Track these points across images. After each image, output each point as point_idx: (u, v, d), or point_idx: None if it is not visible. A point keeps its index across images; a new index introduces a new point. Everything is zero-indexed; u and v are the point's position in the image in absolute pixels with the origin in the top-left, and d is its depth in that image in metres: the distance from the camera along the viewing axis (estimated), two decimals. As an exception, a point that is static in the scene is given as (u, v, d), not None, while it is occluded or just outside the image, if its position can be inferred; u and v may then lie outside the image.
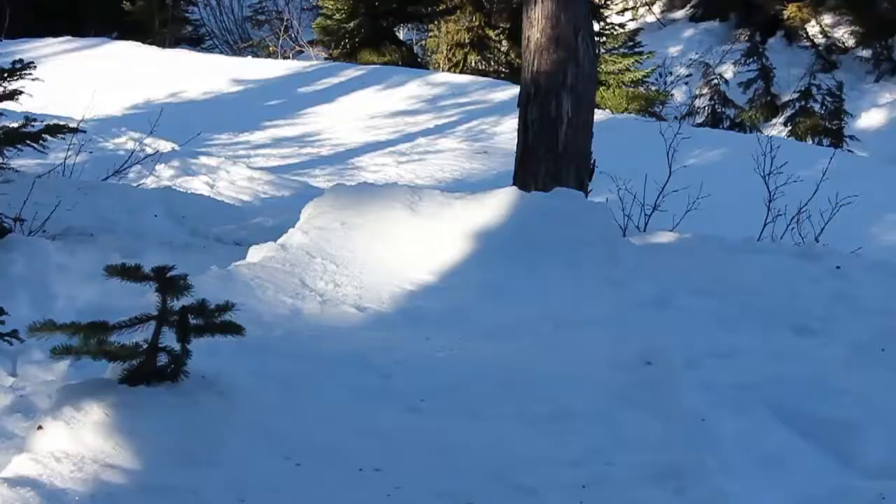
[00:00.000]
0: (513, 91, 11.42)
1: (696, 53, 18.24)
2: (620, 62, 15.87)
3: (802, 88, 15.90)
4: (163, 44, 15.99)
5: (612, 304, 4.12)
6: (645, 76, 16.10)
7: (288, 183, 8.17)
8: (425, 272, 4.35)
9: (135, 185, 7.22)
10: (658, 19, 20.47)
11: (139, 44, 14.81)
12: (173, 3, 17.96)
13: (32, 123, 4.93)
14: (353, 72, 13.79)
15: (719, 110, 16.14)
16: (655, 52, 16.65)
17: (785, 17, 18.73)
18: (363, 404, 3.12)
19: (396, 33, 17.01)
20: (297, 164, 9.95)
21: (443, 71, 15.64)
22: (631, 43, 16.36)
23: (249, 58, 15.85)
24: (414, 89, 12.96)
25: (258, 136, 10.88)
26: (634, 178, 6.95)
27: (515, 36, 14.55)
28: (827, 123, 15.24)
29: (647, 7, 20.70)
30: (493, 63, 17.02)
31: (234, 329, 2.94)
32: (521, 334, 3.76)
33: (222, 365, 3.05)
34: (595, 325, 3.87)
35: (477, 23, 16.85)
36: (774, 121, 16.14)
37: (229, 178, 8.07)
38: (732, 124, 15.87)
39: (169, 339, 2.89)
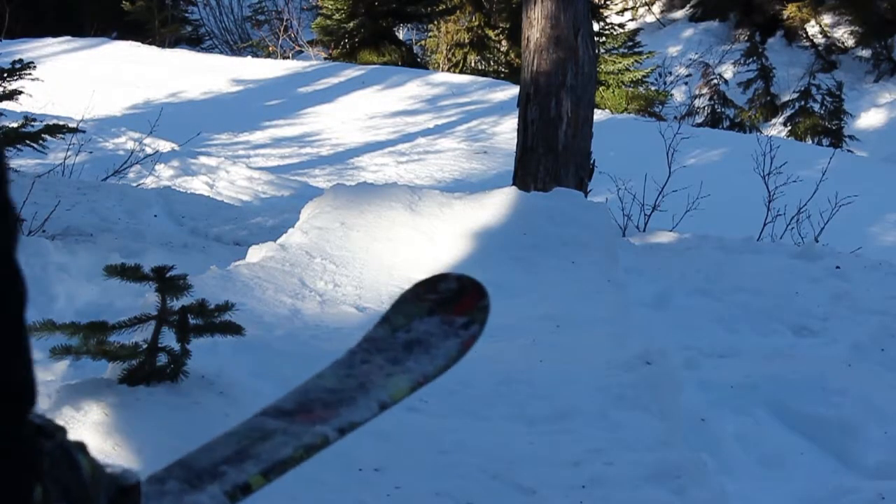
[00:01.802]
0: (512, 91, 11.43)
1: (696, 53, 18.26)
2: (620, 62, 15.89)
3: (802, 88, 15.92)
4: (163, 44, 16.01)
5: (611, 304, 4.12)
6: (645, 76, 16.11)
7: (288, 183, 8.17)
8: (425, 272, 4.33)
9: (134, 185, 7.22)
10: (658, 19, 20.48)
11: (139, 44, 14.83)
12: (173, 3, 17.98)
13: (32, 123, 4.93)
14: (352, 72, 13.80)
15: (719, 110, 16.16)
16: (655, 52, 16.67)
17: (784, 16, 18.74)
18: (363, 404, 3.12)
19: (396, 33, 17.02)
20: (297, 164, 9.96)
21: (442, 71, 15.66)
22: (631, 43, 16.38)
23: (249, 58, 15.87)
24: (414, 89, 12.97)
25: (258, 136, 10.88)
26: (634, 178, 6.95)
27: (515, 36, 14.55)
28: (826, 123, 15.26)
29: (646, 7, 20.71)
30: (492, 63, 17.03)
31: (234, 329, 2.93)
32: (521, 334, 3.76)
33: (222, 365, 3.05)
34: (595, 325, 3.87)
35: (477, 23, 16.87)
36: (774, 121, 16.16)
37: (229, 178, 8.07)
38: (732, 124, 15.89)
39: (169, 339, 2.88)
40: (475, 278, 1.90)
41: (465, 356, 1.87)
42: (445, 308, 1.85)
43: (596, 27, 14.11)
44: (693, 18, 20.22)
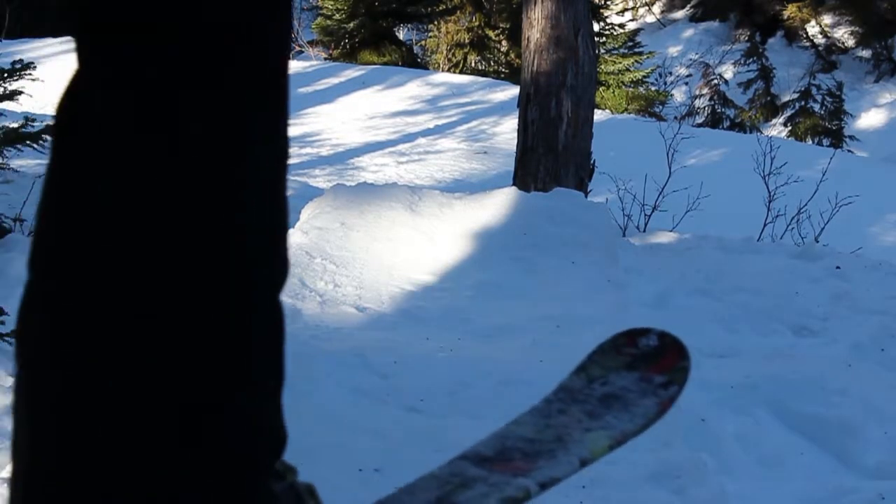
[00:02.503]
0: (513, 91, 11.43)
1: (696, 53, 18.27)
2: (620, 62, 15.89)
3: (802, 88, 15.93)
4: (163, 44, 15.99)
5: (611, 304, 4.12)
6: (645, 76, 16.12)
7: (288, 183, 8.16)
8: (425, 272, 4.35)
9: (135, 185, 7.21)
10: (658, 19, 20.49)
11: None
12: (173, 3, 17.96)
13: (32, 123, 4.93)
14: (353, 72, 13.80)
15: (719, 110, 16.16)
16: (655, 52, 16.68)
17: (785, 17, 18.76)
18: (363, 404, 3.12)
19: (396, 33, 17.02)
20: (297, 164, 9.96)
21: (443, 71, 15.66)
22: (631, 43, 16.39)
23: (249, 58, 15.84)
24: (414, 89, 12.97)
25: (258, 136, 10.86)
26: (634, 178, 6.96)
27: (515, 36, 14.56)
28: (827, 123, 15.28)
29: (647, 7, 20.72)
30: (492, 63, 17.04)
31: (234, 329, 2.93)
32: (521, 334, 3.76)
33: (222, 365, 3.04)
34: (595, 325, 3.86)
35: (477, 23, 16.87)
36: (774, 121, 16.17)
37: (229, 178, 8.06)
38: (732, 124, 15.90)
39: (169, 339, 2.88)
40: (677, 337, 1.90)
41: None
42: (645, 364, 1.84)
43: (596, 27, 14.12)
44: (693, 18, 20.23)
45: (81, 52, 1.02)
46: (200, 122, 0.98)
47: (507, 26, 16.49)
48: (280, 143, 1.08)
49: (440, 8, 16.69)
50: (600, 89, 14.42)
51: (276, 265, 1.10)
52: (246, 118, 1.01)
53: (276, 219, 1.09)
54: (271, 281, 1.09)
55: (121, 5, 0.97)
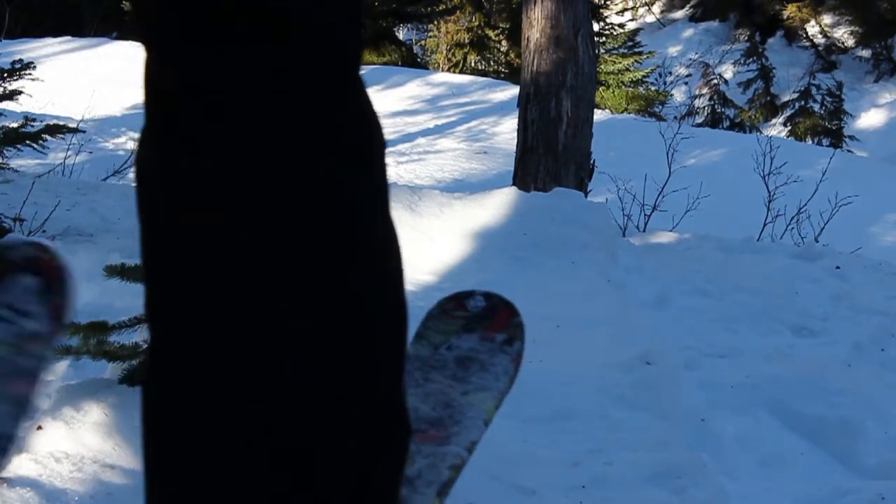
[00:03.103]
0: (513, 91, 11.43)
1: (696, 53, 18.27)
2: (620, 62, 15.90)
3: (802, 88, 15.94)
4: (163, 44, 15.99)
5: (611, 304, 4.12)
6: (645, 76, 16.13)
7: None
8: (425, 272, 4.35)
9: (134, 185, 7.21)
10: (658, 19, 20.49)
11: (139, 44, 14.80)
12: (173, 3, 17.96)
13: (32, 123, 4.92)
14: (352, 72, 13.79)
15: (719, 110, 16.17)
16: (655, 52, 16.68)
17: (785, 17, 18.76)
18: (363, 404, 3.11)
19: (396, 33, 17.02)
20: (297, 164, 9.94)
21: (442, 71, 15.66)
22: (631, 43, 16.39)
23: (249, 58, 15.84)
24: (414, 89, 12.97)
25: (258, 136, 10.86)
26: (634, 178, 6.96)
27: (515, 36, 14.56)
28: (826, 123, 15.28)
29: (646, 7, 20.72)
30: (492, 63, 17.04)
31: (234, 329, 2.92)
32: (521, 334, 3.75)
33: (222, 365, 3.04)
34: (595, 325, 3.86)
35: (477, 23, 16.88)
36: (774, 121, 16.17)
37: (229, 178, 8.06)
38: (732, 124, 15.90)
39: (169, 339, 2.87)
40: (503, 295, 1.92)
41: (519, 373, 1.90)
42: (481, 325, 1.87)
43: (596, 27, 14.12)
44: (693, 18, 20.23)
45: (157, 55, 1.02)
46: (277, 123, 0.99)
47: (507, 26, 16.50)
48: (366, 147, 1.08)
49: (440, 8, 16.69)
50: (600, 89, 14.42)
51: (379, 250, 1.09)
52: (325, 122, 1.01)
53: (378, 204, 1.08)
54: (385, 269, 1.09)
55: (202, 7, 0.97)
